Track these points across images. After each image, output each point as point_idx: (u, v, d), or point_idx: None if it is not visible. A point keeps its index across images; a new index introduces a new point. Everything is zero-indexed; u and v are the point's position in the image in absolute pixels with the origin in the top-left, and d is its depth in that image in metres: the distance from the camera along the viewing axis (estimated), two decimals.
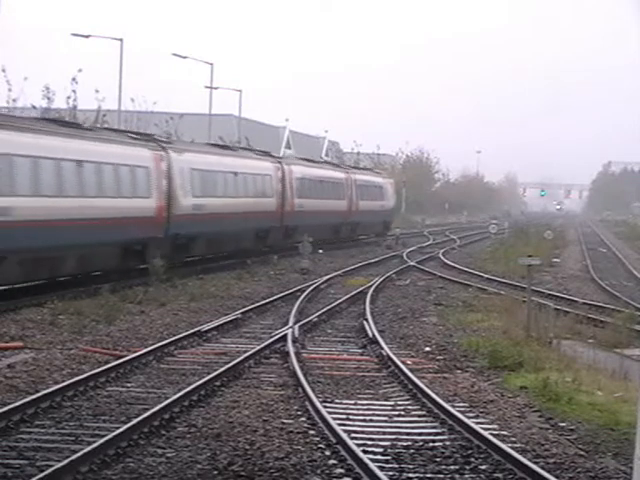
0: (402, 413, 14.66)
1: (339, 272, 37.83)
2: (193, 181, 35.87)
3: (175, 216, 34.03)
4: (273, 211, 44.63)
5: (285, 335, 20.44)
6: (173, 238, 34.16)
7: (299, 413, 14.31)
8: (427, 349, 20.76)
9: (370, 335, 21.33)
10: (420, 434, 13.32)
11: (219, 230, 37.66)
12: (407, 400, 15.54)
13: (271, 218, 44.37)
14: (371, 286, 31.94)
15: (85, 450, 11.15)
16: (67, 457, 10.94)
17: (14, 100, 55.08)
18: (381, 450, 12.40)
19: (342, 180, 57.49)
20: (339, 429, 12.76)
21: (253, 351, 18.72)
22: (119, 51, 62.94)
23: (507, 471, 11.54)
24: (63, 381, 15.48)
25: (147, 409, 13.57)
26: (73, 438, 12.40)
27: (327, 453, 12.15)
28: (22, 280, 26.59)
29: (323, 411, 13.76)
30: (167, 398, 14.32)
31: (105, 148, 29.97)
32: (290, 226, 46.77)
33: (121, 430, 12.12)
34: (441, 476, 11.46)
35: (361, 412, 14.64)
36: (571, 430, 13.82)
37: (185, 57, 73.50)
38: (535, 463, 11.59)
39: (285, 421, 13.76)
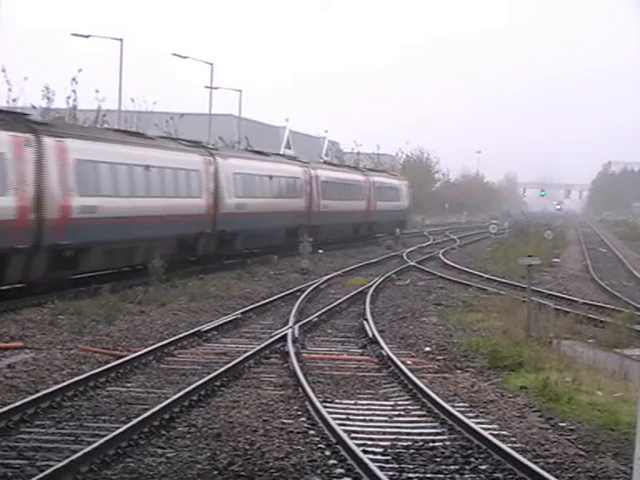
0: (402, 413, 14.67)
1: (339, 272, 37.84)
2: (236, 183, 40.07)
3: (221, 214, 38.11)
4: (302, 211, 49.06)
5: (285, 335, 20.44)
6: (219, 234, 38.21)
7: (299, 413, 14.32)
8: (427, 349, 20.76)
9: (370, 335, 21.33)
10: (420, 434, 13.32)
11: (256, 227, 41.46)
12: (407, 400, 15.54)
13: (300, 217, 48.54)
14: (371, 286, 31.95)
15: (85, 450, 11.15)
16: (67, 457, 10.95)
17: (14, 100, 55.13)
18: (381, 450, 12.41)
19: (361, 182, 61.71)
20: (339, 429, 12.76)
21: (253, 351, 18.72)
22: (119, 51, 62.96)
23: (507, 471, 11.54)
24: (63, 381, 15.48)
25: (147, 409, 13.57)
26: (73, 438, 12.40)
27: (327, 453, 12.15)
28: (103, 268, 30.15)
29: (323, 411, 13.76)
30: (167, 398, 14.32)
31: (166, 155, 34.11)
32: (317, 225, 50.63)
33: (121, 430, 12.13)
34: (441, 476, 11.46)
35: (361, 412, 14.64)
36: (571, 430, 13.83)
37: (185, 57, 73.50)
38: (535, 463, 11.59)
39: (285, 421, 13.76)
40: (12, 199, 24.67)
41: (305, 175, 50.48)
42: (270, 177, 45.00)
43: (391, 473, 11.35)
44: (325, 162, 63.89)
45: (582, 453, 12.58)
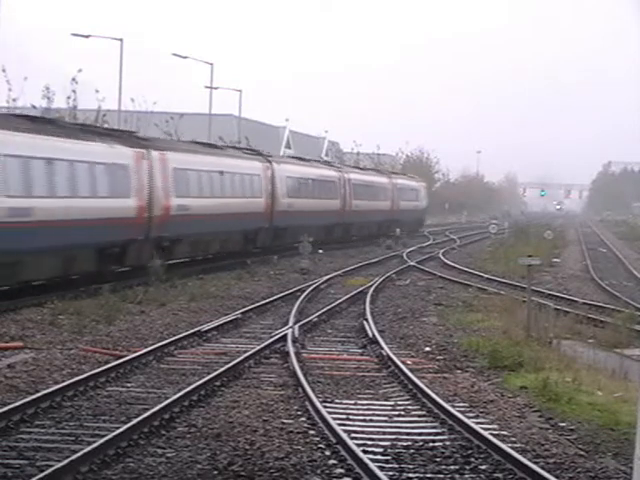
0: (402, 413, 14.67)
1: (339, 272, 37.83)
2: (288, 185, 47.23)
3: (276, 212, 45.17)
4: (337, 210, 56.36)
5: (285, 335, 20.44)
6: (275, 229, 45.08)
7: (299, 413, 14.32)
8: (427, 349, 20.75)
9: (370, 335, 21.32)
10: (420, 434, 13.32)
11: (302, 224, 46.74)
12: (407, 400, 15.54)
13: (335, 215, 55.90)
14: (371, 286, 31.94)
15: (85, 450, 11.16)
16: (67, 457, 10.95)
17: (14, 100, 55.10)
18: (381, 450, 12.41)
19: (386, 184, 68.56)
20: (339, 429, 12.76)
21: (253, 351, 18.72)
22: (119, 51, 63.00)
23: (507, 471, 11.54)
24: (63, 381, 15.48)
25: (147, 409, 13.57)
26: (73, 438, 12.40)
27: (327, 453, 12.15)
28: (188, 256, 36.99)
29: (323, 411, 13.76)
30: (167, 398, 14.32)
31: (235, 162, 40.85)
32: (349, 222, 58.53)
33: (121, 430, 12.13)
34: (441, 476, 11.46)
35: (361, 412, 14.64)
36: (571, 430, 13.83)
37: (185, 57, 73.50)
38: (535, 463, 11.59)
39: (285, 421, 13.76)
40: (133, 200, 30.79)
41: (340, 179, 57.39)
42: (313, 180, 52.67)
43: (391, 473, 11.35)
44: (355, 167, 71.89)
45: (582, 453, 12.58)
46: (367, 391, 16.30)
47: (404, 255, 48.59)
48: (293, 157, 58.72)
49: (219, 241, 38.45)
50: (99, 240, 28.90)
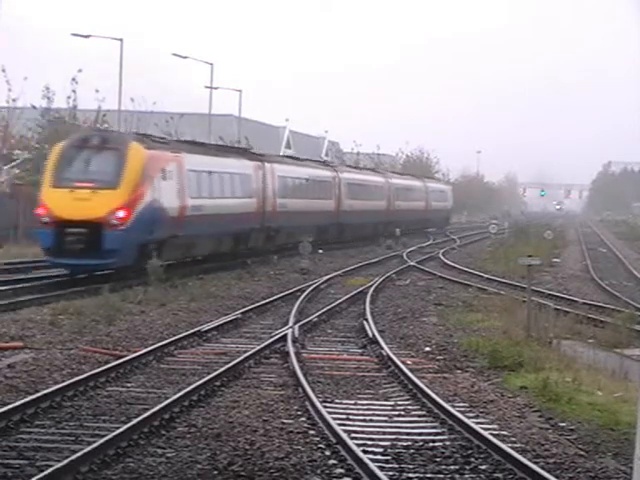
0: (402, 413, 14.67)
1: (339, 272, 37.82)
2: (349, 190, 57.28)
3: (342, 212, 55.38)
4: (383, 210, 65.27)
5: (285, 335, 20.44)
6: (341, 225, 55.13)
7: (299, 413, 14.32)
8: (427, 349, 20.75)
9: (370, 335, 21.32)
10: (420, 434, 13.32)
11: (358, 222, 58.23)
12: (407, 400, 15.54)
13: (383, 214, 65.14)
14: (371, 286, 31.93)
15: (85, 450, 11.16)
16: (67, 457, 10.95)
17: (14, 100, 55.10)
18: (381, 450, 12.41)
19: (420, 187, 78.88)
20: (339, 429, 12.76)
21: (253, 351, 18.72)
22: (119, 51, 62.98)
23: (507, 471, 11.54)
24: (63, 381, 15.47)
25: (147, 409, 13.57)
26: (73, 438, 12.40)
27: (327, 453, 12.16)
28: (287, 242, 46.32)
29: (323, 411, 13.76)
30: (167, 398, 14.32)
31: (313, 171, 52.96)
32: (393, 220, 66.00)
33: (121, 430, 12.13)
34: (441, 476, 11.46)
35: (361, 412, 14.64)
36: (571, 430, 13.83)
37: (185, 57, 73.46)
38: (535, 463, 11.59)
39: (285, 421, 13.76)
40: (254, 200, 41.80)
41: (385, 184, 67.66)
42: (408, 189, 72.77)
43: (391, 473, 11.35)
44: (395, 172, 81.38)
45: (582, 453, 12.59)
46: (367, 391, 16.30)
47: (404, 255, 48.58)
48: (355, 167, 72.18)
49: (302, 230, 46.49)
50: (236, 228, 39.15)
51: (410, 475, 11.41)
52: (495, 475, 11.49)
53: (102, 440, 11.60)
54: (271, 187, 43.76)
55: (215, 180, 37.50)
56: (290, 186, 47.34)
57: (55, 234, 29.72)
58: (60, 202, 29.95)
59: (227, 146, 50.02)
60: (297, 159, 55.46)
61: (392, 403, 15.36)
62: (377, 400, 15.60)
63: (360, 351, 20.39)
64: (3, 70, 54.30)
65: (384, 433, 13.33)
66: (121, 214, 29.97)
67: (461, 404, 15.23)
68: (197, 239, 35.29)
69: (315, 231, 48.60)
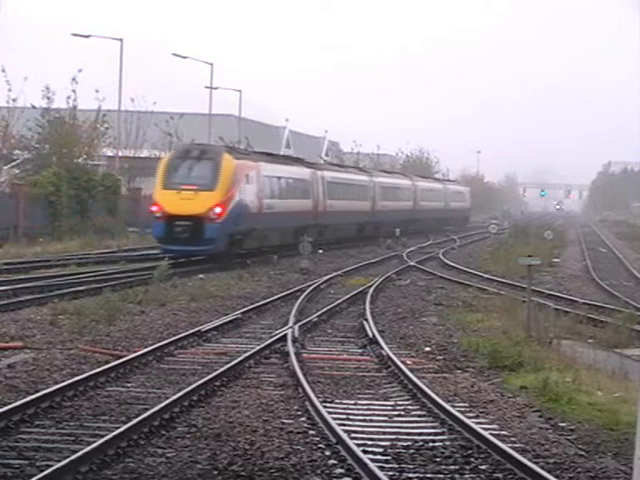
0: (402, 413, 14.67)
1: (339, 272, 37.80)
2: (383, 192, 65.07)
3: (376, 212, 63.14)
4: (410, 209, 73.24)
5: (285, 335, 20.43)
6: (376, 223, 63.13)
7: (299, 413, 14.32)
8: (427, 349, 20.75)
9: (370, 335, 21.32)
10: (420, 434, 13.33)
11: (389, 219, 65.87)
12: (407, 400, 15.54)
13: (409, 212, 72.69)
14: (371, 286, 31.92)
15: (85, 450, 11.16)
16: (67, 457, 10.95)
17: (14, 100, 55.11)
18: (381, 450, 12.41)
19: (442, 189, 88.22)
20: (339, 429, 12.76)
21: (253, 351, 18.72)
22: (119, 51, 63.01)
23: (507, 471, 11.54)
24: (63, 381, 15.47)
25: (147, 409, 13.56)
26: (73, 438, 12.40)
27: (327, 453, 12.16)
28: (332, 238, 53.70)
29: (323, 411, 13.76)
30: (167, 398, 14.31)
31: (353, 176, 61.30)
32: (419, 218, 75.33)
33: (121, 430, 12.13)
34: (441, 476, 11.46)
35: (361, 412, 14.64)
36: (571, 430, 13.83)
37: (185, 57, 73.50)
38: (535, 463, 11.59)
39: (285, 421, 13.76)
40: (311, 201, 49.88)
41: (412, 186, 75.30)
42: (431, 190, 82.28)
43: (391, 473, 11.35)
44: (422, 176, 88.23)
45: (582, 453, 12.59)
46: (367, 391, 16.30)
47: (404, 255, 48.57)
48: (394, 172, 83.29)
49: (345, 227, 56.39)
50: (296, 224, 46.24)
51: (410, 475, 11.41)
52: (495, 475, 11.49)
53: (102, 440, 11.60)
54: (322, 190, 52.06)
55: (282, 184, 45.70)
56: (336, 189, 54.80)
57: (166, 226, 37.11)
58: (170, 201, 37.37)
59: (288, 156, 61.35)
60: (340, 166, 67.66)
61: (392, 403, 15.36)
62: (377, 400, 15.61)
63: (360, 351, 20.39)
64: (3, 70, 54.39)
65: (384, 433, 13.34)
66: (218, 210, 37.52)
67: (461, 404, 15.23)
68: (269, 232, 43.11)
69: (354, 228, 59.19)
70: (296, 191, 47.78)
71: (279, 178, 45.10)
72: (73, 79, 56.67)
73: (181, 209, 37.18)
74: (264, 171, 42.72)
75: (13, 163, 57.01)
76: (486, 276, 38.52)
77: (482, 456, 12.15)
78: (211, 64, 74.16)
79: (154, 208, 37.92)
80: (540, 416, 14.67)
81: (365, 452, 11.91)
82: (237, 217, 38.70)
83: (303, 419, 13.93)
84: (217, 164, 38.54)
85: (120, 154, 65.20)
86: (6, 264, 33.86)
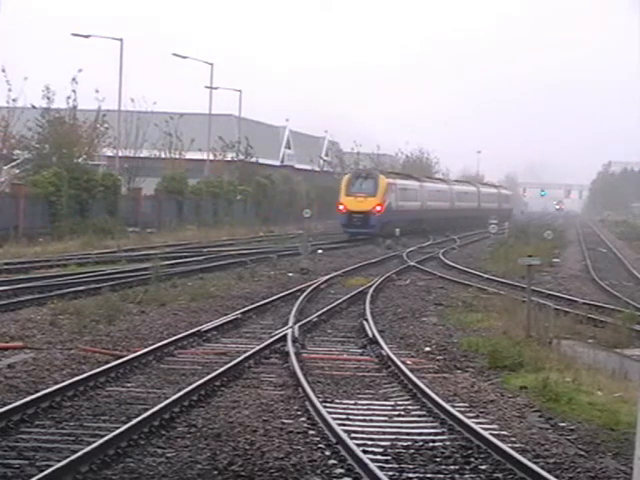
0: (402, 413, 14.67)
1: (339, 272, 37.77)
2: (458, 195, 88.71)
3: (453, 209, 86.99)
4: (448, 208, 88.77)
5: (285, 335, 20.43)
6: (454, 219, 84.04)
7: (299, 413, 14.32)
8: (427, 349, 20.75)
9: (370, 335, 21.32)
10: (420, 434, 13.33)
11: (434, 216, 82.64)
12: (407, 400, 15.54)
13: (473, 211, 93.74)
14: (371, 286, 31.92)
15: (85, 450, 11.16)
16: (67, 457, 10.95)
17: (14, 100, 55.11)
18: (381, 450, 12.41)
19: (496, 192, 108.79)
20: (339, 429, 12.76)
21: (253, 351, 18.72)
22: (119, 51, 63.03)
23: (507, 471, 11.54)
24: (63, 381, 15.47)
25: (147, 409, 13.56)
26: (73, 438, 12.40)
27: (327, 453, 12.16)
28: (432, 228, 74.93)
29: (323, 411, 13.76)
30: (167, 398, 14.31)
31: (434, 185, 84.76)
32: (482, 216, 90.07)
33: (121, 430, 12.13)
34: (441, 476, 11.47)
35: (361, 412, 14.65)
36: (571, 430, 13.83)
37: (185, 57, 73.50)
38: (535, 463, 11.60)
39: (285, 421, 13.77)
40: (419, 203, 73.31)
41: (476, 191, 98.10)
42: (491, 195, 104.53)
43: (391, 473, 11.36)
44: (484, 183, 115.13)
45: (582, 453, 12.59)
46: (367, 391, 16.30)
47: (404, 255, 48.55)
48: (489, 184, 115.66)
49: (437, 221, 78.23)
50: (411, 217, 69.69)
51: (410, 475, 11.42)
52: (495, 475, 11.50)
53: (102, 440, 11.60)
54: (426, 196, 76.10)
55: (406, 193, 70.19)
56: (433, 195, 78.98)
57: (348, 217, 63.48)
58: (350, 202, 63.59)
59: (407, 174, 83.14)
60: (411, 177, 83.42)
61: (392, 403, 15.37)
62: (377, 400, 15.61)
63: (360, 351, 20.39)
64: (3, 70, 54.39)
65: (384, 433, 13.34)
66: (378, 208, 63.46)
67: (461, 404, 15.23)
68: (400, 223, 64.83)
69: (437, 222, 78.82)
70: (411, 196, 72.01)
71: (405, 189, 70.62)
72: (73, 79, 56.75)
73: (357, 207, 63.16)
74: (398, 185, 68.90)
75: (13, 163, 57.00)
76: (486, 276, 38.51)
77: (482, 456, 12.15)
78: (211, 64, 74.23)
79: (340, 207, 64.30)
80: (540, 416, 14.67)
81: (365, 452, 11.91)
82: (387, 213, 64.50)
83: (303, 419, 13.93)
84: (376, 181, 64.92)
85: (120, 154, 65.21)
86: (6, 264, 33.85)
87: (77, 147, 56.33)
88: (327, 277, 35.10)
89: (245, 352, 18.61)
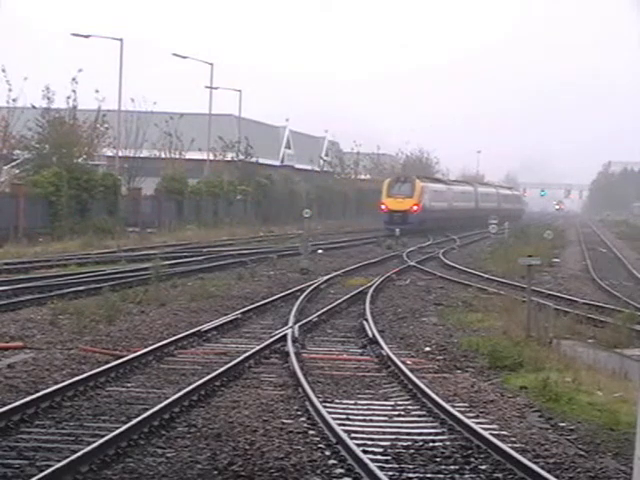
0: (402, 413, 14.67)
1: (339, 272, 37.77)
2: (481, 197, 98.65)
3: (478, 209, 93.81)
4: (495, 208, 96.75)
5: (285, 335, 20.43)
6: (478, 217, 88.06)
7: (299, 413, 14.32)
8: (427, 349, 20.75)
9: (370, 335, 21.32)
10: (420, 434, 13.33)
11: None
12: (407, 400, 15.54)
13: (494, 211, 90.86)
14: (371, 286, 31.92)
15: (85, 450, 11.16)
16: (67, 457, 10.95)
17: (14, 100, 55.11)
18: (381, 450, 12.41)
19: (513, 195, 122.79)
20: (339, 429, 12.76)
21: (253, 351, 18.72)
22: (119, 51, 63.05)
23: (507, 471, 11.54)
24: (63, 381, 15.47)
25: (147, 409, 13.56)
26: (73, 438, 12.40)
27: (327, 453, 12.16)
28: (455, 225, 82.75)
29: (323, 411, 13.76)
30: (167, 398, 14.31)
31: (461, 187, 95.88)
32: (502, 215, 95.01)
33: (121, 430, 12.13)
34: (441, 476, 11.46)
35: (361, 412, 14.65)
36: (571, 430, 13.83)
37: (185, 57, 73.52)
38: (535, 463, 11.60)
39: (285, 421, 13.77)
40: (446, 204, 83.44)
41: (496, 194, 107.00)
42: (507, 196, 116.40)
43: (391, 473, 11.36)
44: (501, 185, 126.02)
45: (582, 453, 12.59)
46: (367, 391, 16.30)
47: (404, 255, 48.56)
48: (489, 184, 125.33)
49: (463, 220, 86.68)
50: (440, 216, 78.02)
51: (410, 475, 11.41)
52: (495, 475, 11.50)
53: (102, 440, 11.60)
54: (453, 197, 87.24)
55: (437, 194, 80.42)
56: (457, 196, 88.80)
57: (389, 216, 73.54)
58: (391, 203, 74.19)
59: (438, 178, 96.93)
60: (441, 180, 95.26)
61: (392, 403, 15.36)
62: (377, 400, 15.61)
63: (360, 351, 20.39)
64: (3, 70, 54.37)
65: (384, 433, 13.34)
66: (415, 208, 73.81)
67: (461, 404, 15.23)
68: (432, 220, 75.07)
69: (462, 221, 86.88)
70: (441, 198, 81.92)
71: (435, 191, 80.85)
72: (73, 79, 56.73)
73: (397, 207, 73.70)
74: (430, 187, 79.74)
75: (13, 163, 57.01)
76: (486, 276, 38.51)
77: (482, 456, 12.15)
78: (211, 64, 74.23)
79: (383, 207, 75.06)
80: (540, 416, 14.67)
81: (365, 452, 11.91)
82: (422, 211, 74.58)
83: (303, 419, 13.93)
84: (413, 184, 75.51)
85: (120, 154, 65.22)
86: (6, 264, 33.86)
87: (77, 147, 56.34)
88: (327, 277, 35.11)
89: (245, 352, 18.61)
